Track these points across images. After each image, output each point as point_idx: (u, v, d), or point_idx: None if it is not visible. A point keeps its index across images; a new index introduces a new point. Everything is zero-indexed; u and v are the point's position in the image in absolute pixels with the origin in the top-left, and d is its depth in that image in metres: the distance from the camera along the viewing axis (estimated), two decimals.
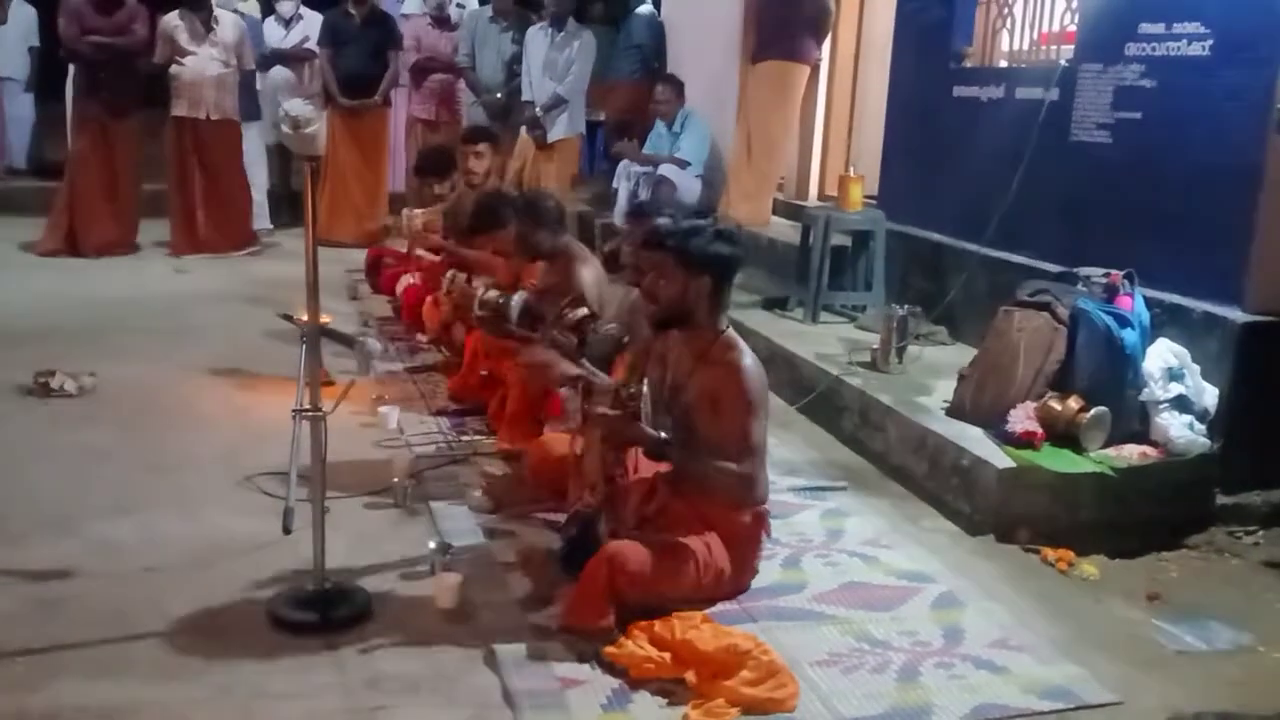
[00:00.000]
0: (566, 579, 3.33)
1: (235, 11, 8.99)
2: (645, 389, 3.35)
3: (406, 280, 6.80)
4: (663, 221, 3.58)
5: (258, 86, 9.33)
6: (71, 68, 8.55)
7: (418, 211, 6.88)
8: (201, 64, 8.38)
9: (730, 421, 3.32)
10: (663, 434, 3.38)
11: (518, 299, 4.81)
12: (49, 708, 2.78)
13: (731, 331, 3.49)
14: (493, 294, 4.98)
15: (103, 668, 2.96)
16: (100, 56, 8.12)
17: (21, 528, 3.77)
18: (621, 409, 3.35)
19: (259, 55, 9.12)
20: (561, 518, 3.67)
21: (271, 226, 9.45)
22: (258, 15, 9.80)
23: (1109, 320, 4.29)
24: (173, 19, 8.39)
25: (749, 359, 3.40)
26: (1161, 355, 4.30)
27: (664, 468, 3.48)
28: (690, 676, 2.92)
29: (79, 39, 8.07)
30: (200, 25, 8.36)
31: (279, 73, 9.48)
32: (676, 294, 3.43)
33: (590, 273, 4.80)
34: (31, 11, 10.55)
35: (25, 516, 3.86)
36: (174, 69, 8.36)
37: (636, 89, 9.25)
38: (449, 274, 5.89)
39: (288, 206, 9.69)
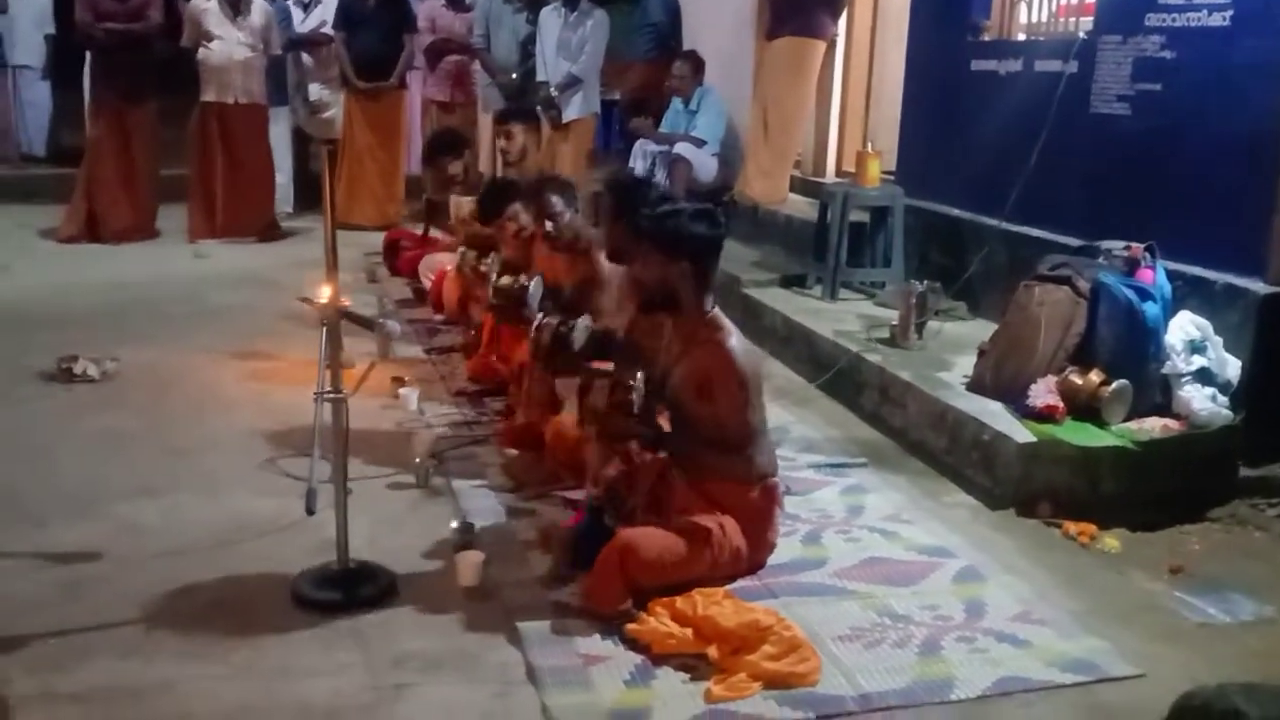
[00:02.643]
0: (578, 570, 3.34)
1: None
2: (640, 381, 3.35)
3: (436, 263, 6.77)
4: (641, 207, 3.59)
5: (294, 71, 9.36)
6: (88, 54, 8.57)
7: (465, 199, 6.85)
8: (228, 48, 8.40)
9: (723, 404, 3.33)
10: (658, 426, 3.39)
11: (535, 285, 4.76)
12: (77, 688, 2.81)
13: (717, 312, 3.47)
14: (506, 280, 4.93)
15: (129, 648, 3.00)
16: (115, 42, 8.13)
17: (47, 512, 3.80)
18: (618, 403, 3.35)
19: (285, 39, 9.12)
20: (580, 495, 3.68)
21: (291, 210, 9.48)
22: None
23: (1130, 293, 4.27)
24: (201, 2, 8.42)
25: (735, 339, 3.39)
26: (1183, 328, 4.28)
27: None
28: (712, 652, 2.94)
29: (94, 25, 8.09)
30: (229, 9, 8.38)
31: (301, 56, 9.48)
32: (658, 279, 3.42)
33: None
34: None
35: (50, 500, 3.90)
36: (201, 53, 8.39)
37: (652, 68, 9.21)
38: (459, 251, 5.85)
39: (305, 190, 9.70)
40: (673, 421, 3.45)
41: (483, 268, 5.40)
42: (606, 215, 4.38)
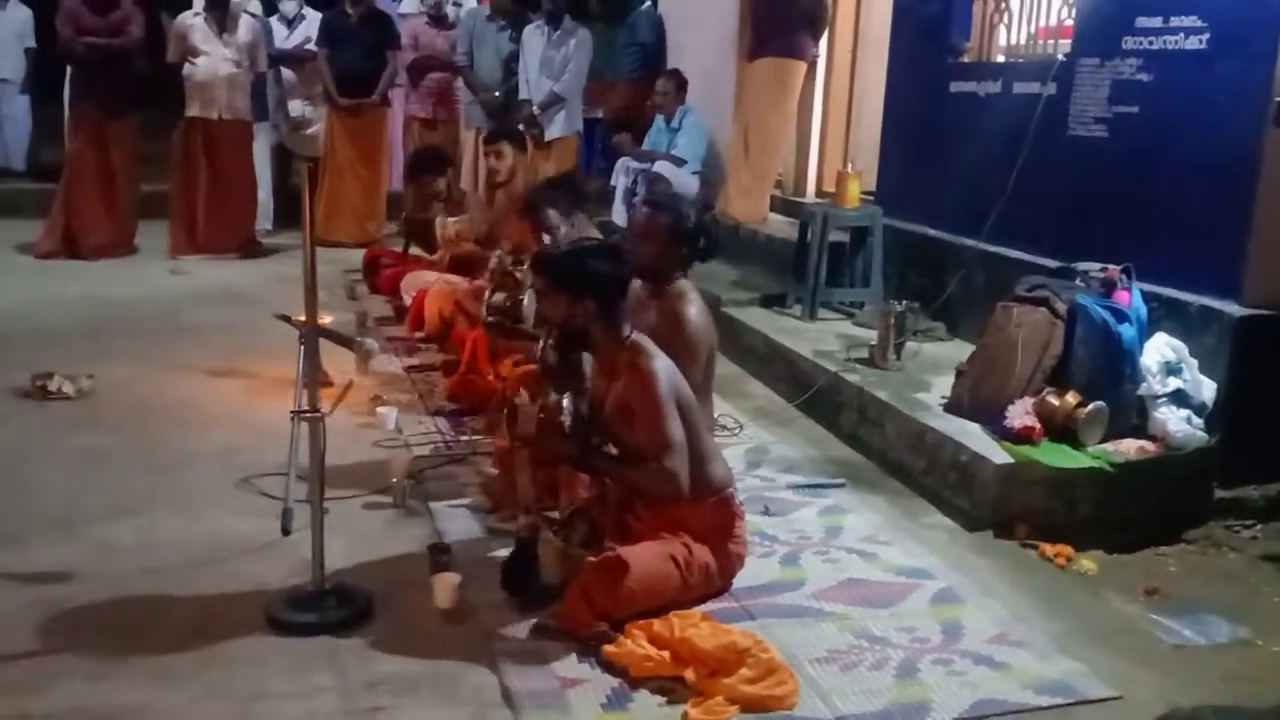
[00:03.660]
0: (510, 599, 3.35)
1: (250, 14, 8.97)
2: (567, 404, 3.36)
3: (418, 282, 6.74)
4: (545, 248, 3.60)
5: (275, 87, 9.37)
6: (68, 69, 8.54)
7: (451, 220, 6.85)
8: (213, 64, 8.38)
9: (645, 424, 3.32)
10: (589, 444, 3.40)
11: (529, 299, 4.73)
12: (50, 710, 2.79)
13: (636, 337, 3.44)
14: (499, 297, 4.91)
15: (103, 669, 2.97)
16: (96, 57, 8.11)
17: (21, 530, 3.77)
18: (548, 425, 3.35)
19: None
20: (556, 515, 3.68)
21: (270, 227, 9.46)
22: (260, 13, 9.78)
23: (1107, 315, 4.29)
24: (188, 17, 8.43)
25: (655, 361, 3.36)
26: (1159, 350, 4.30)
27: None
28: (689, 675, 2.93)
29: (75, 39, 8.07)
30: (216, 24, 8.38)
31: (283, 72, 9.49)
32: (564, 318, 3.44)
33: None
34: (27, 12, 10.53)
35: (25, 519, 3.86)
36: (186, 68, 8.38)
37: (637, 87, 9.25)
38: (496, 254, 5.81)
39: (285, 206, 9.68)
40: (610, 451, 3.47)
41: (519, 274, 5.37)
42: (645, 233, 4.06)
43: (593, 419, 3.46)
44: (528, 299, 4.69)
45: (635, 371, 3.34)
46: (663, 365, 3.37)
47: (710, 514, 3.42)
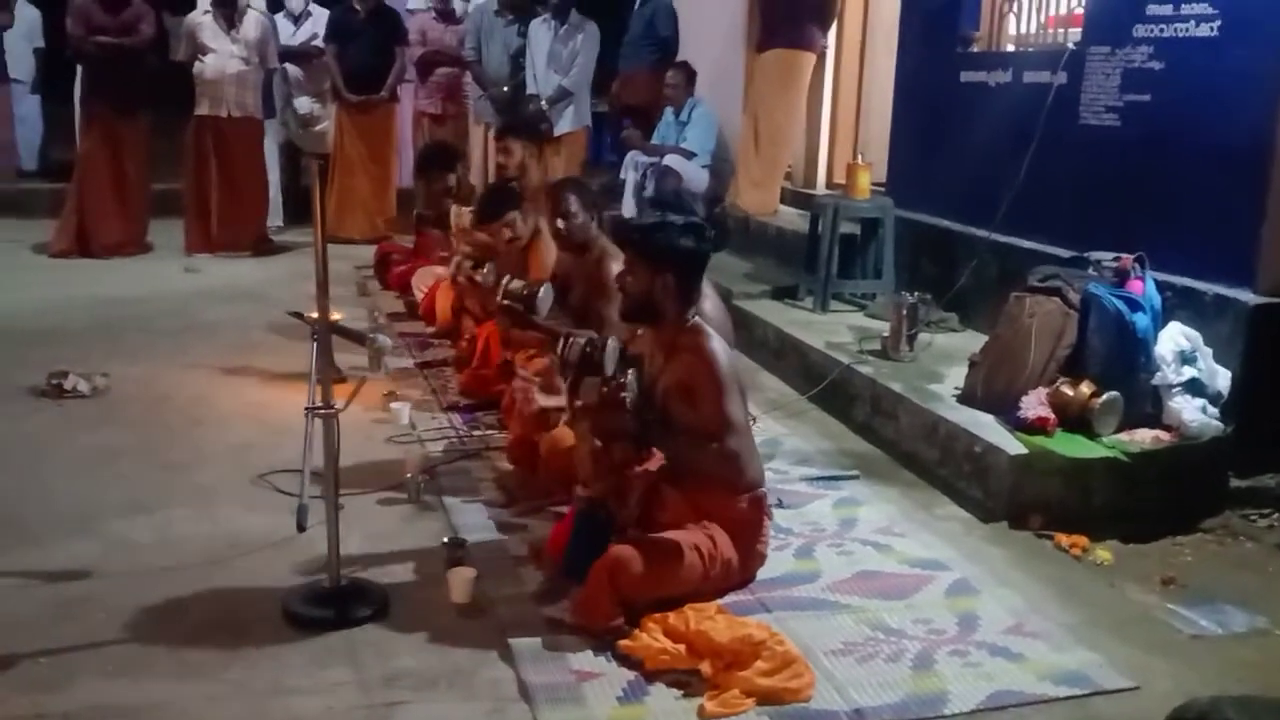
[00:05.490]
0: (571, 579, 3.34)
1: (257, 11, 8.98)
2: (632, 379, 3.37)
3: (430, 276, 6.76)
4: (627, 217, 3.59)
5: (282, 84, 9.39)
6: (79, 68, 8.56)
7: (466, 209, 6.86)
8: (222, 62, 8.41)
9: (706, 406, 3.35)
10: (648, 421, 3.41)
11: (545, 290, 4.74)
12: (68, 708, 2.80)
13: (698, 321, 3.49)
14: (517, 284, 4.90)
15: (120, 667, 2.98)
16: (108, 55, 8.12)
17: (38, 529, 3.79)
18: (609, 400, 3.37)
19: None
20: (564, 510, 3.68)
21: (280, 224, 9.48)
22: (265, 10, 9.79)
23: (1120, 304, 4.28)
24: (196, 16, 8.46)
25: (715, 343, 3.42)
26: (1173, 338, 4.29)
27: (662, 460, 3.50)
28: (705, 668, 2.93)
29: (86, 38, 8.09)
30: (224, 21, 8.40)
31: (289, 70, 9.50)
32: (643, 289, 3.45)
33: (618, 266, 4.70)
34: (35, 13, 10.54)
35: (42, 518, 3.88)
36: (196, 66, 8.42)
37: (656, 78, 9.19)
38: (455, 260, 5.83)
39: (295, 203, 9.70)
40: (664, 429, 3.46)
41: (478, 277, 5.39)
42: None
43: (646, 395, 3.46)
44: (543, 291, 4.68)
45: (697, 352, 3.38)
46: (720, 347, 3.42)
47: (744, 510, 3.43)
